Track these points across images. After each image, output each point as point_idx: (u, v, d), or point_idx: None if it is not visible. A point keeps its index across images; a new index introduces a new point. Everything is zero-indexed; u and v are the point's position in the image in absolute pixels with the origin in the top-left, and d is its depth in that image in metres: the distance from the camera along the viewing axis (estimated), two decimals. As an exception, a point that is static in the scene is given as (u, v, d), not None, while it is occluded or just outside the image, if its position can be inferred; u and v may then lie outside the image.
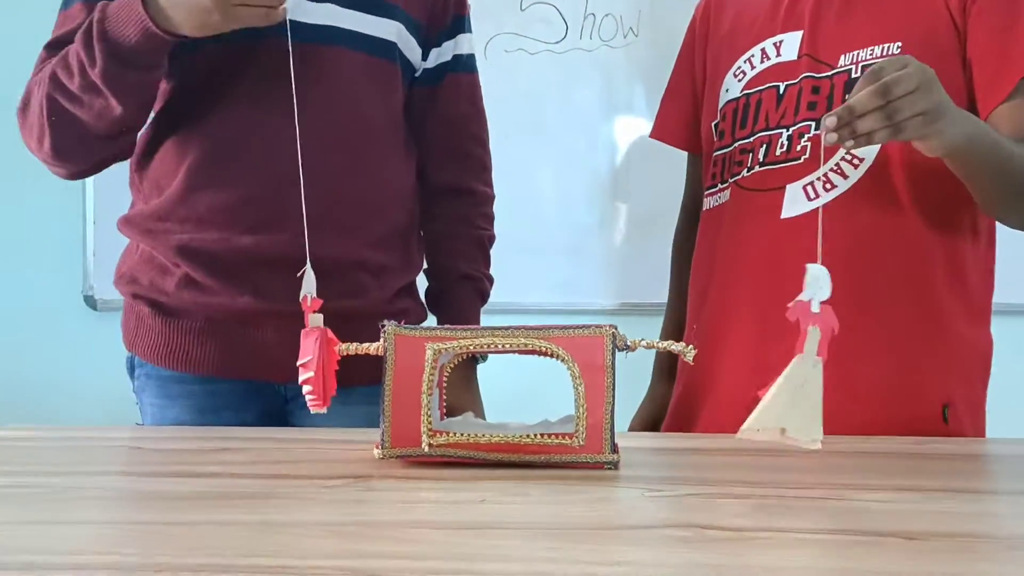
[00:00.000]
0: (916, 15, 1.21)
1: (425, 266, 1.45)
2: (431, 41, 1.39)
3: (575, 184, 2.31)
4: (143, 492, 0.84)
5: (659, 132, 1.49)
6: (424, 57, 1.39)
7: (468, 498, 0.80)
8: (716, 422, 1.24)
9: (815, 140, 1.22)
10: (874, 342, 1.19)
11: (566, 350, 0.92)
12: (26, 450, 1.03)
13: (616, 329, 0.93)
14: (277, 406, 1.29)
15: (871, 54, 1.21)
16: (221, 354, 1.26)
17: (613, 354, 0.92)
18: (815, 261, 1.22)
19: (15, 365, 2.45)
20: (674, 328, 1.46)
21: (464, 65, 1.43)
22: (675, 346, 0.95)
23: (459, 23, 1.43)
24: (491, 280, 1.46)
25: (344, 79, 1.25)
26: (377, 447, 0.93)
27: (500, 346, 0.93)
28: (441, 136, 1.42)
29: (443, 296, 1.43)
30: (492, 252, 1.48)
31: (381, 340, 0.94)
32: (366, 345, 0.96)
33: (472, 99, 1.45)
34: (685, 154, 1.49)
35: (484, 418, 1.35)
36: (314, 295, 0.97)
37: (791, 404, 0.84)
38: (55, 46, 1.21)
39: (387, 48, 1.32)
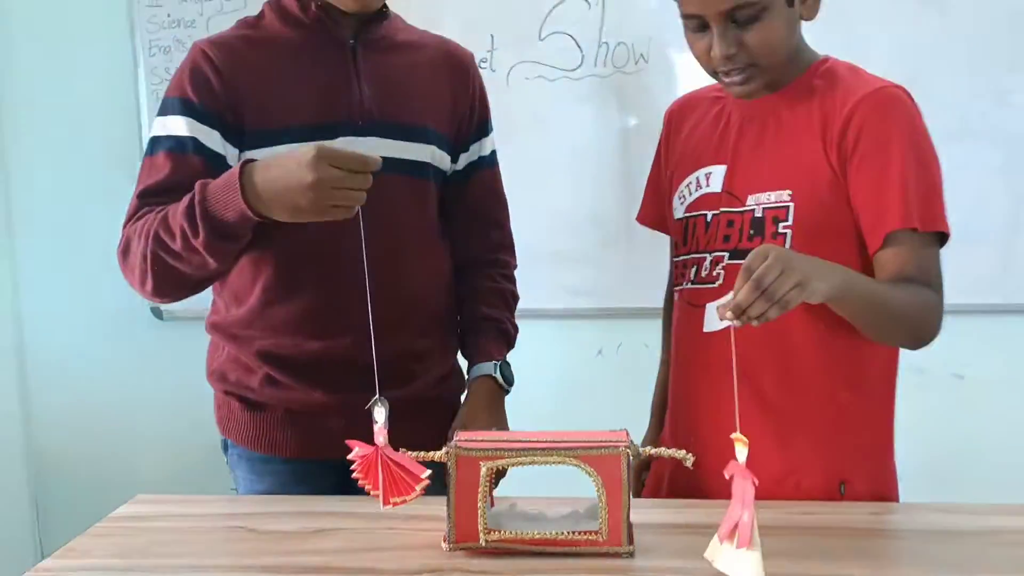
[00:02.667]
0: (804, 166, 1.38)
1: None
2: (459, 147, 1.61)
3: (593, 203, 2.52)
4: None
5: (642, 217, 1.68)
6: (454, 160, 1.61)
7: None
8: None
9: (727, 268, 1.42)
10: (778, 435, 1.40)
11: (592, 467, 1.16)
12: (148, 534, 1.28)
13: (630, 446, 1.17)
14: (344, 477, 1.51)
15: (768, 198, 1.39)
16: (300, 439, 1.52)
17: (628, 468, 1.16)
18: (730, 370, 1.28)
19: (91, 370, 2.75)
20: (664, 387, 1.66)
21: (488, 162, 1.66)
22: (677, 453, 1.19)
23: (483, 127, 1.65)
24: (515, 326, 1.67)
25: (387, 200, 1.42)
26: (444, 540, 1.18)
27: (542, 462, 1.17)
28: (468, 223, 1.64)
29: (468, 335, 1.64)
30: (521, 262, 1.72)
31: (444, 451, 1.19)
32: (432, 453, 1.20)
33: (494, 189, 1.68)
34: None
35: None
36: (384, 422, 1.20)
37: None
38: (147, 195, 1.43)
39: (422, 168, 1.54)
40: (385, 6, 1.54)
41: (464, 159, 1.63)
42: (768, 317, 1.13)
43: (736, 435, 1.07)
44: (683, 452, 1.19)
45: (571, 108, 2.52)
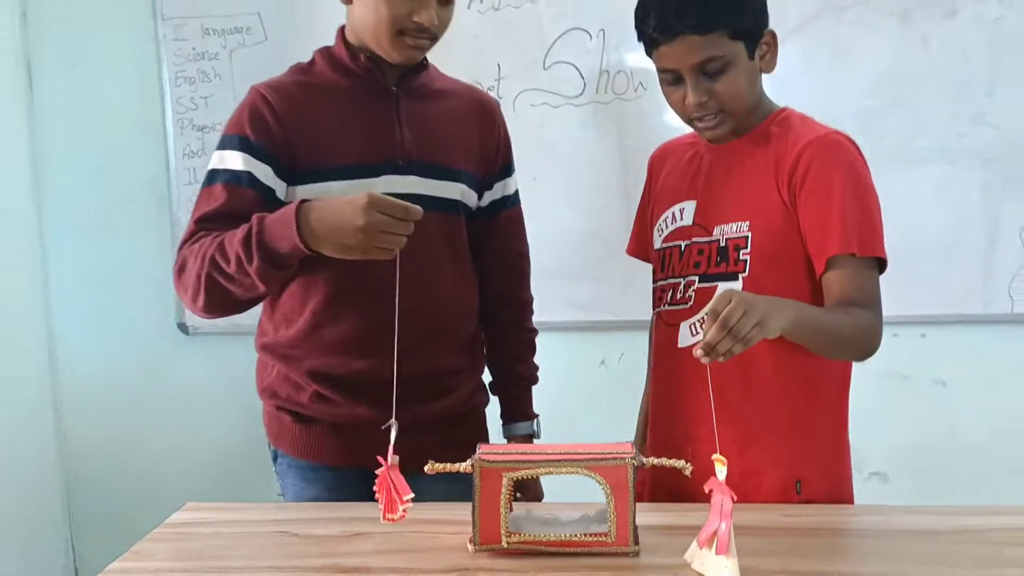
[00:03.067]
0: (760, 201, 1.57)
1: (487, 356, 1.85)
2: (485, 186, 1.77)
3: (594, 220, 2.68)
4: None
5: (631, 249, 1.86)
6: (480, 198, 1.76)
7: (539, 593, 1.20)
8: None
9: (698, 290, 1.61)
10: (740, 439, 1.56)
11: (601, 476, 1.30)
12: (203, 539, 1.43)
13: (635, 458, 1.31)
14: None
15: (731, 228, 1.58)
16: (345, 450, 1.67)
17: (633, 476, 1.31)
18: (702, 383, 1.44)
19: (122, 381, 2.92)
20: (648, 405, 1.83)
21: (511, 201, 1.82)
22: (677, 463, 1.34)
23: (507, 168, 1.81)
24: (537, 369, 1.88)
25: (423, 233, 1.54)
26: (470, 542, 1.33)
27: (556, 472, 1.32)
28: (495, 257, 1.81)
29: (507, 389, 1.86)
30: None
31: (469, 463, 1.33)
32: (457, 465, 1.35)
33: (518, 225, 1.85)
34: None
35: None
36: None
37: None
38: (203, 221, 1.58)
39: (454, 205, 1.70)
40: (425, 58, 1.70)
41: (488, 196, 1.79)
42: (733, 353, 1.30)
43: (716, 456, 1.23)
44: (682, 462, 1.33)
45: (574, 132, 2.69)
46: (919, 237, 2.61)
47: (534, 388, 1.90)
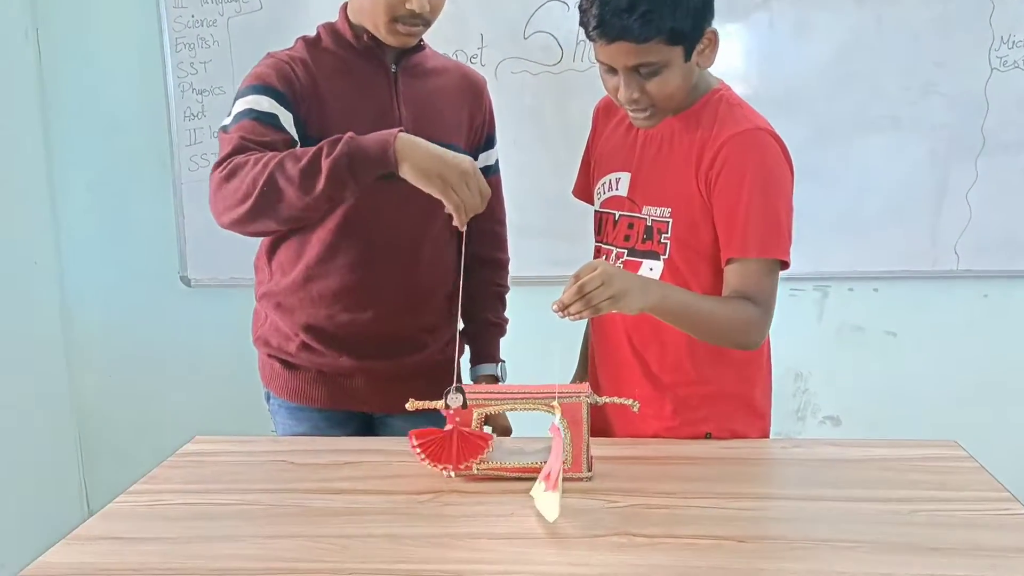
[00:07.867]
0: (682, 190, 1.63)
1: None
2: (471, 156, 1.91)
3: (571, 180, 2.84)
4: (305, 507, 1.43)
5: (576, 191, 1.95)
6: None
7: (502, 511, 1.39)
8: None
9: (625, 263, 1.71)
10: (656, 397, 1.72)
11: (560, 411, 1.50)
12: (212, 466, 1.62)
13: (589, 396, 1.51)
14: (366, 424, 1.90)
15: (656, 212, 1.67)
16: (329, 394, 1.85)
17: (587, 412, 1.50)
18: (622, 344, 1.74)
19: (129, 330, 3.13)
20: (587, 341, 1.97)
21: (492, 171, 1.98)
22: (626, 401, 1.53)
23: (490, 141, 1.97)
24: (507, 320, 2.05)
25: (416, 202, 1.64)
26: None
27: (521, 408, 1.52)
28: (475, 221, 1.93)
29: (476, 336, 2.02)
30: (510, 237, 2.07)
31: (443, 401, 1.53)
32: (433, 403, 1.54)
33: (496, 193, 1.98)
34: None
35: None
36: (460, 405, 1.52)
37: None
38: (247, 140, 1.62)
39: None
40: (421, 39, 1.82)
41: None
42: (583, 316, 1.47)
43: (555, 403, 1.46)
44: (631, 400, 1.53)
45: (552, 99, 2.85)
46: (873, 199, 2.81)
47: (516, 347, 2.04)
